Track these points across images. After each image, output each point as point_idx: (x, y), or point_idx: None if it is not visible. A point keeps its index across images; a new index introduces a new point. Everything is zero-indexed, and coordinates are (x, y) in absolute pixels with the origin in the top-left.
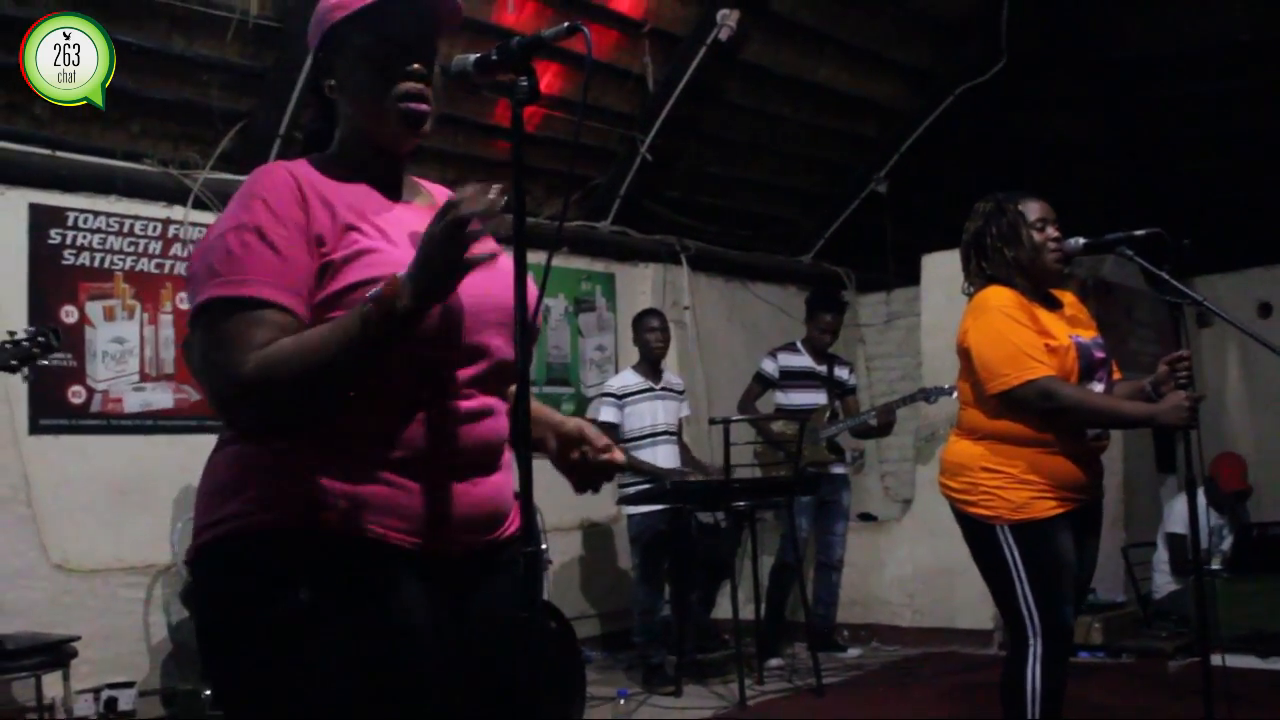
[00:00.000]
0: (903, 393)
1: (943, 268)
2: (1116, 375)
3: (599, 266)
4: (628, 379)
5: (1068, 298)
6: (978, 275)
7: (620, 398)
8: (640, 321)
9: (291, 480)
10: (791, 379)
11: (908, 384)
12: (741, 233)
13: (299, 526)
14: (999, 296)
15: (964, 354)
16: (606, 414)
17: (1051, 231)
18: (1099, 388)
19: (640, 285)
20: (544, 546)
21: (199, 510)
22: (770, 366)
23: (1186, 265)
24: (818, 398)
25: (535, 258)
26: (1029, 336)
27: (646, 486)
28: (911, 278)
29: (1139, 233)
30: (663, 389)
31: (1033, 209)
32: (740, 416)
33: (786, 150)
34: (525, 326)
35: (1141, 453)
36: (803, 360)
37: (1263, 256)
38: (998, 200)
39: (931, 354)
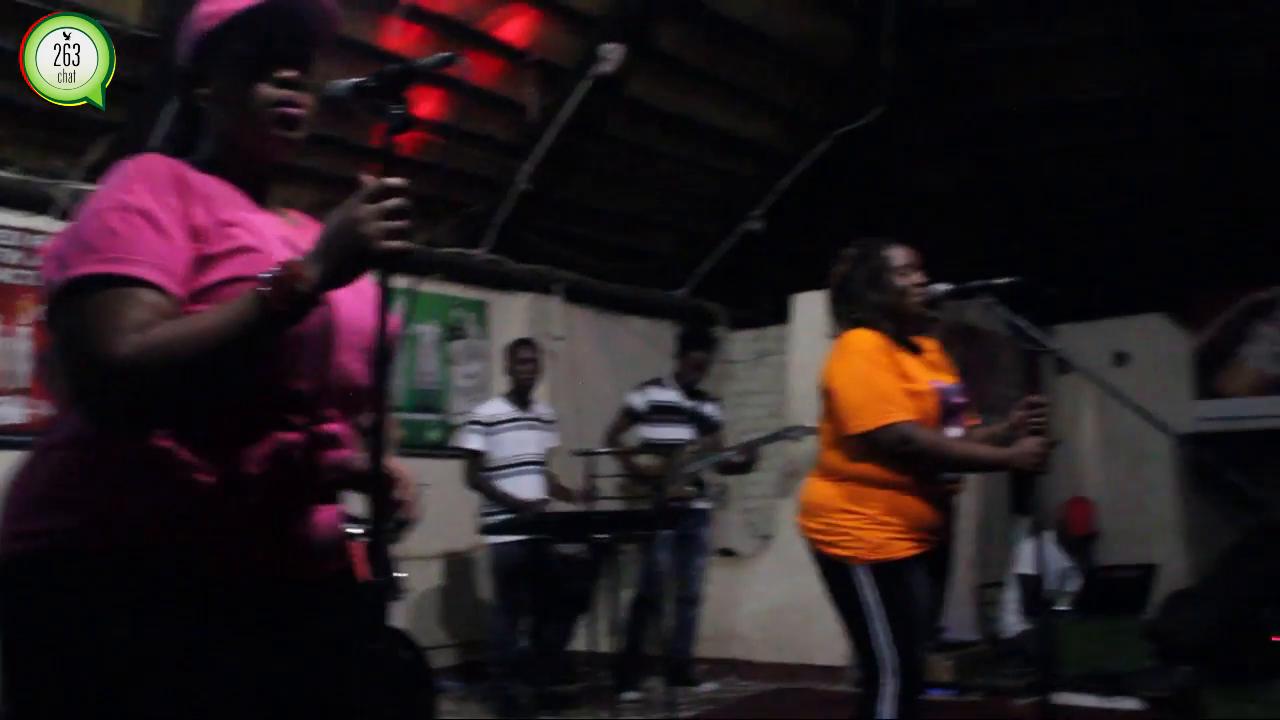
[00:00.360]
0: (769, 430)
1: (813, 308)
2: (972, 420)
3: (472, 294)
4: (497, 407)
5: (929, 344)
6: (844, 318)
7: (488, 426)
8: (512, 351)
9: (127, 497)
10: (659, 413)
11: (775, 421)
12: (617, 266)
13: (127, 553)
14: (862, 340)
15: (826, 395)
16: (473, 441)
17: (915, 277)
18: (956, 432)
19: (513, 314)
20: (401, 575)
21: (10, 514)
22: (638, 400)
23: (1047, 314)
24: (683, 433)
25: (403, 284)
26: (890, 381)
27: (508, 517)
28: (782, 316)
29: (1000, 281)
30: (532, 419)
31: (898, 255)
32: (605, 449)
33: (665, 186)
34: (385, 353)
35: (997, 495)
36: (671, 395)
37: (1120, 308)
38: (864, 246)
39: (799, 392)
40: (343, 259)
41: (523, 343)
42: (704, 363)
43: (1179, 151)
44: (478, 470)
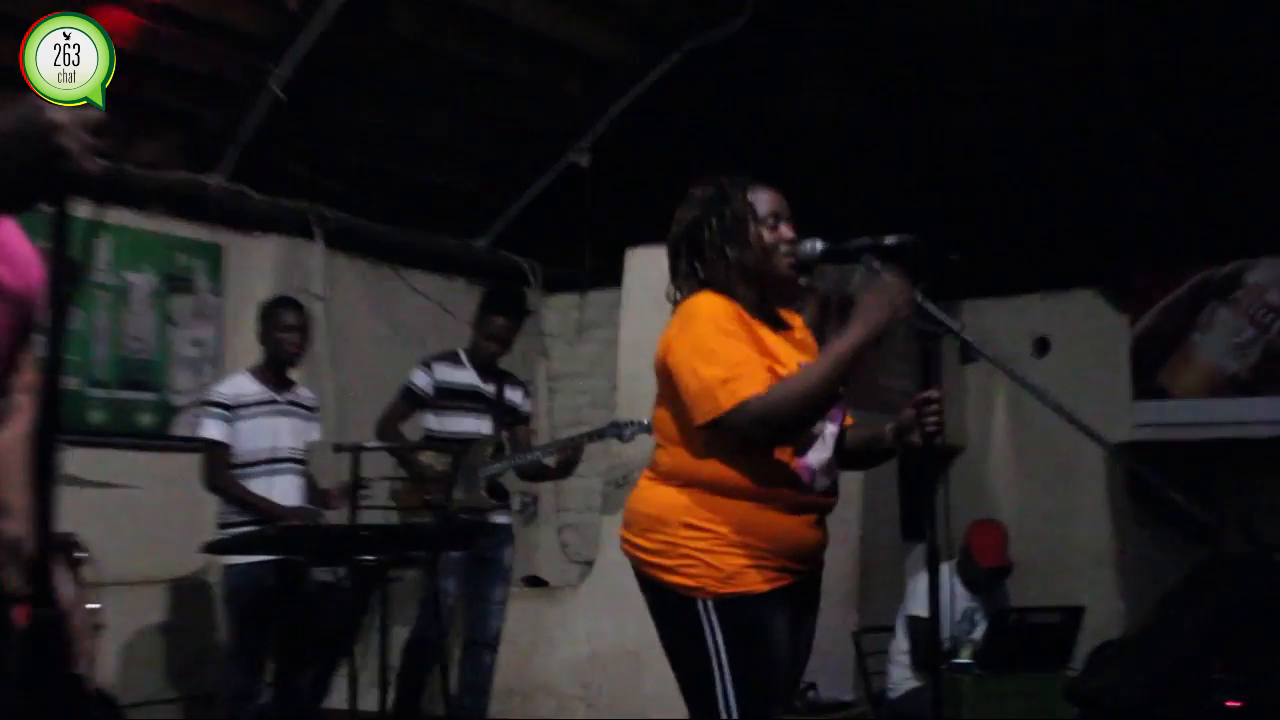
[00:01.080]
0: (592, 424)
1: (652, 267)
2: (849, 419)
3: (203, 235)
4: (243, 386)
5: (796, 321)
6: (688, 278)
7: (231, 409)
8: (272, 314)
9: None
10: (449, 398)
11: (600, 414)
12: (399, 205)
13: None
14: (711, 304)
15: (664, 375)
16: (211, 429)
17: (785, 230)
18: (831, 430)
19: (258, 263)
20: (96, 606)
21: None
22: (423, 380)
23: (950, 286)
24: (480, 425)
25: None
26: (745, 353)
27: (248, 530)
28: (612, 277)
29: (890, 240)
30: (289, 403)
31: (765, 200)
32: (376, 444)
33: (465, 102)
34: (61, 308)
35: (883, 515)
36: (465, 375)
37: (1042, 281)
38: (721, 185)
39: (631, 376)
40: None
41: (285, 303)
42: (508, 334)
43: (1124, 91)
44: (221, 467)
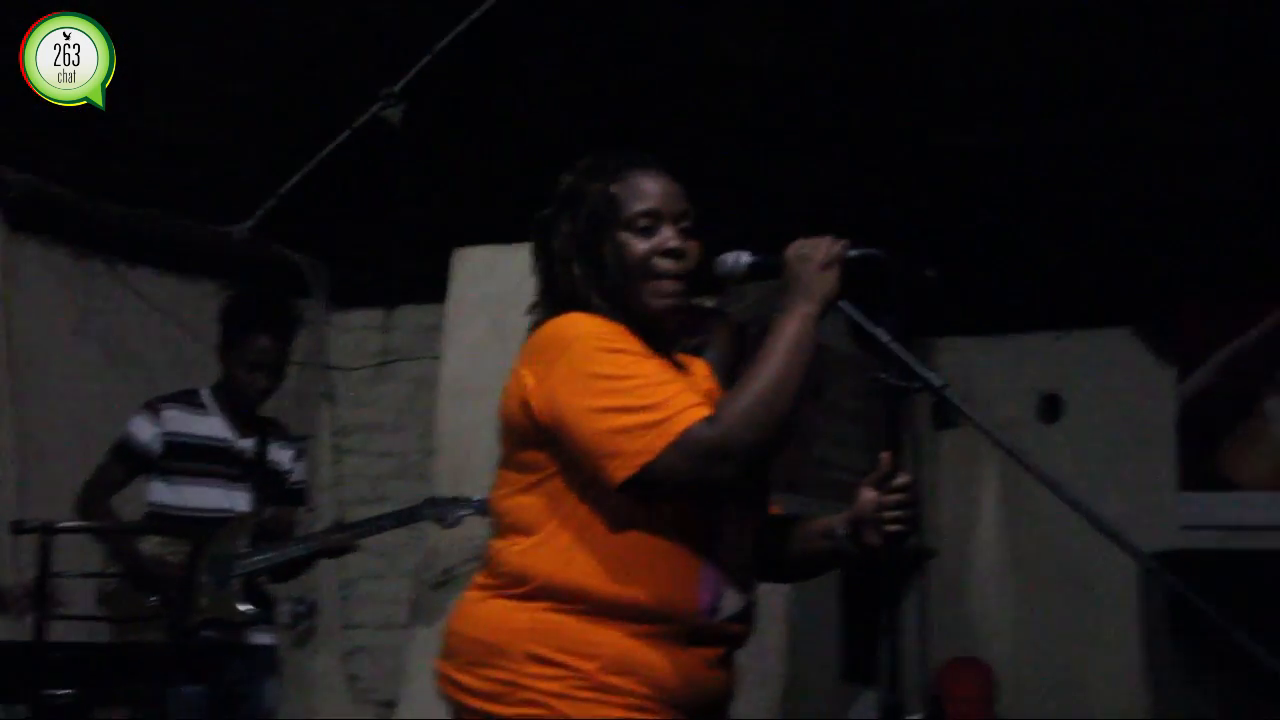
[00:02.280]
0: (398, 500)
1: (491, 274)
2: (773, 508)
3: None
4: None
5: (698, 367)
6: (545, 299)
7: None
8: None
9: None
10: (185, 458)
11: (410, 485)
12: (119, 169)
13: None
14: (586, 321)
15: (520, 429)
16: None
17: (667, 235)
18: (734, 524)
19: None
20: None
21: None
22: (146, 431)
23: (925, 318)
24: (232, 498)
25: None
26: (658, 370)
27: None
28: (431, 287)
29: (848, 252)
30: None
31: (640, 192)
32: (77, 522)
33: (225, 29)
34: None
35: (818, 647)
36: (209, 424)
37: (1055, 316)
38: (579, 173)
39: (454, 429)
40: None
41: None
42: (277, 360)
43: (1170, 66)
44: None
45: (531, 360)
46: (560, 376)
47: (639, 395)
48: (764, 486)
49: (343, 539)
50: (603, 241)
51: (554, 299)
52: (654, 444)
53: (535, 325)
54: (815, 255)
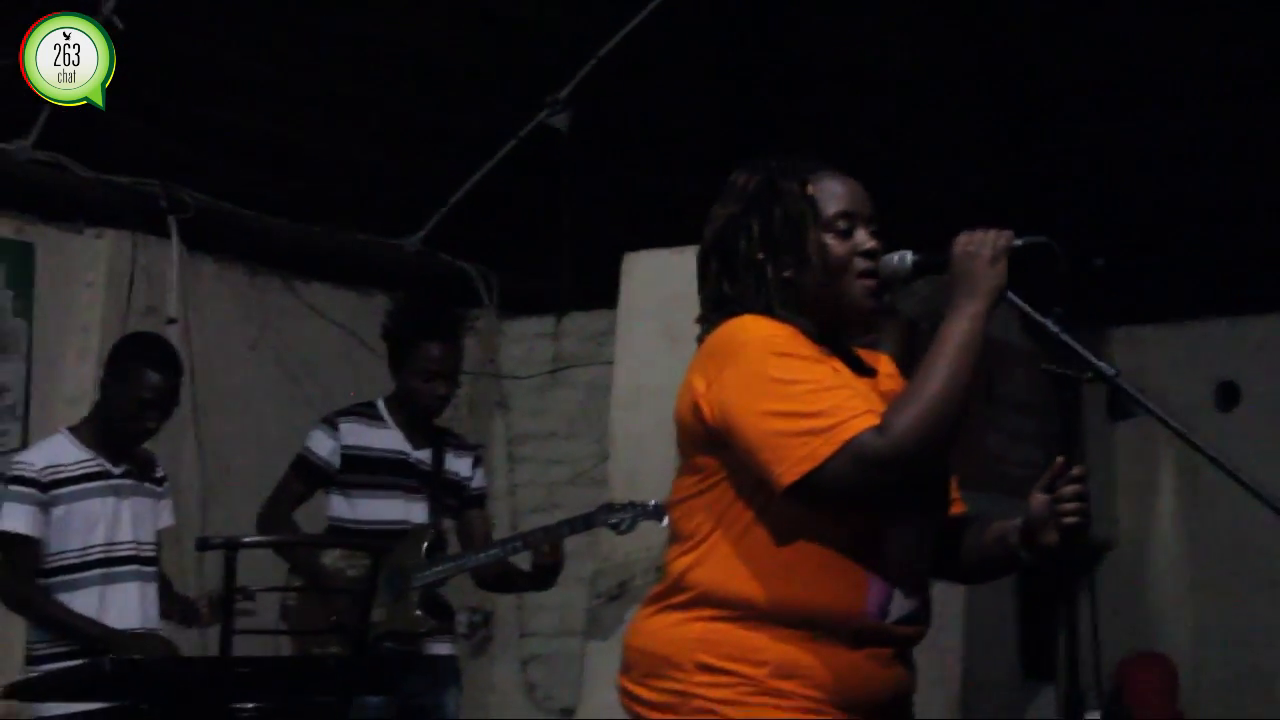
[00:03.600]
0: (575, 509)
1: (660, 279)
2: (958, 506)
3: (3, 229)
4: (61, 453)
5: (883, 364)
6: (716, 304)
7: (45, 489)
8: (126, 355)
9: None
10: (364, 471)
11: (584, 492)
12: (291, 186)
13: None
14: (757, 325)
15: (696, 433)
16: (15, 518)
17: (862, 238)
18: (920, 521)
19: (85, 267)
20: None
21: None
22: (325, 446)
23: (1099, 307)
24: (410, 510)
25: None
26: (828, 375)
27: (66, 666)
28: (603, 295)
29: (1015, 242)
30: (128, 476)
31: (835, 195)
32: (259, 537)
33: (390, 43)
34: None
35: (996, 644)
36: (387, 437)
37: (1230, 302)
38: (770, 173)
39: (630, 437)
40: None
41: (145, 342)
42: (452, 366)
43: None
44: (25, 572)
45: (704, 364)
46: (731, 379)
47: (808, 401)
48: (945, 486)
49: (532, 547)
50: (804, 242)
51: (725, 303)
52: (820, 450)
53: (707, 331)
54: (982, 251)
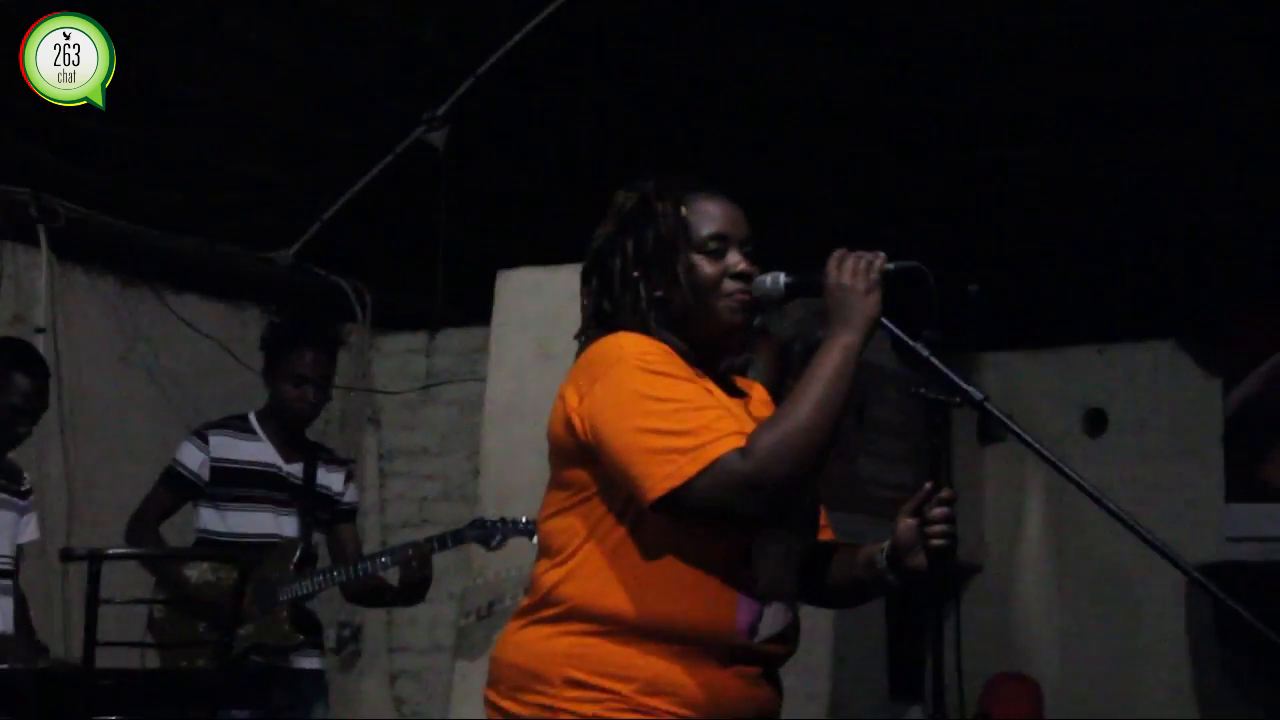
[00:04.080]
0: (445, 523)
1: (534, 297)
2: (825, 532)
3: None
4: None
5: (756, 390)
6: (595, 319)
7: None
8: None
9: None
10: (233, 484)
11: (454, 508)
12: (163, 196)
13: None
14: (633, 342)
15: (567, 448)
16: None
17: (734, 259)
18: (778, 537)
19: None
20: None
21: None
22: (194, 458)
23: (969, 332)
24: (280, 523)
25: None
26: (698, 394)
27: None
28: (475, 310)
29: (887, 266)
30: None
31: (708, 215)
32: (125, 549)
33: (269, 51)
34: None
35: (863, 663)
36: (258, 449)
37: (1098, 329)
38: (645, 193)
39: (502, 453)
40: None
41: (9, 346)
42: (324, 373)
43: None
44: None
45: (577, 378)
46: (602, 394)
47: (676, 419)
48: (815, 508)
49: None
50: (674, 262)
51: (603, 320)
52: (685, 469)
53: (584, 346)
54: (856, 283)
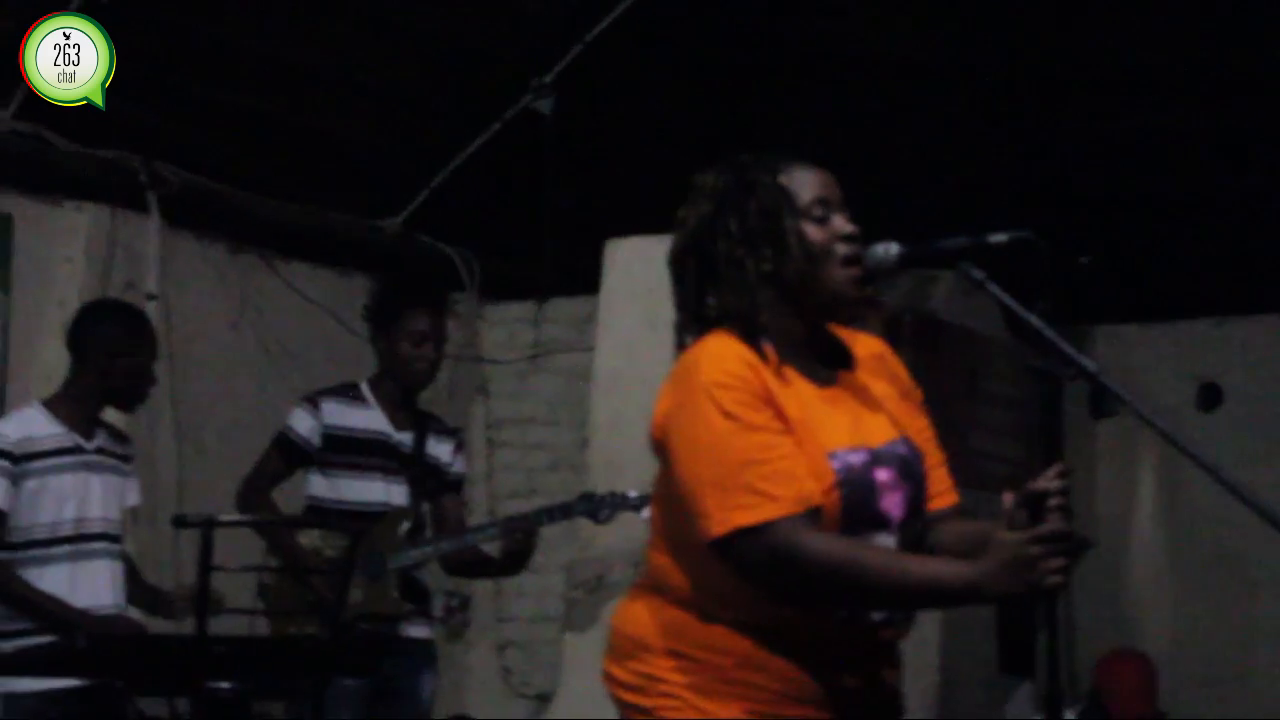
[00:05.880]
0: (552, 495)
1: (643, 266)
2: (944, 500)
3: None
4: (34, 425)
5: (864, 345)
6: (696, 311)
7: (15, 459)
8: (92, 321)
9: None
10: (344, 452)
11: (563, 479)
12: (273, 164)
13: None
14: (714, 364)
15: (663, 454)
16: None
17: (840, 224)
18: (887, 541)
19: (63, 244)
20: None
21: None
22: (305, 425)
23: (1082, 304)
24: (390, 492)
25: None
26: (760, 443)
27: (35, 642)
28: (584, 279)
29: (998, 237)
30: (98, 450)
31: (808, 184)
32: (236, 516)
33: (373, 21)
34: None
35: (974, 640)
36: (369, 418)
37: (1214, 303)
38: (741, 168)
39: (610, 425)
40: None
41: (115, 310)
42: (438, 337)
43: None
44: None
45: (670, 387)
46: (677, 420)
47: (726, 469)
48: (921, 494)
49: (508, 534)
50: (782, 231)
51: (703, 313)
52: (715, 525)
53: (683, 345)
54: (1024, 570)
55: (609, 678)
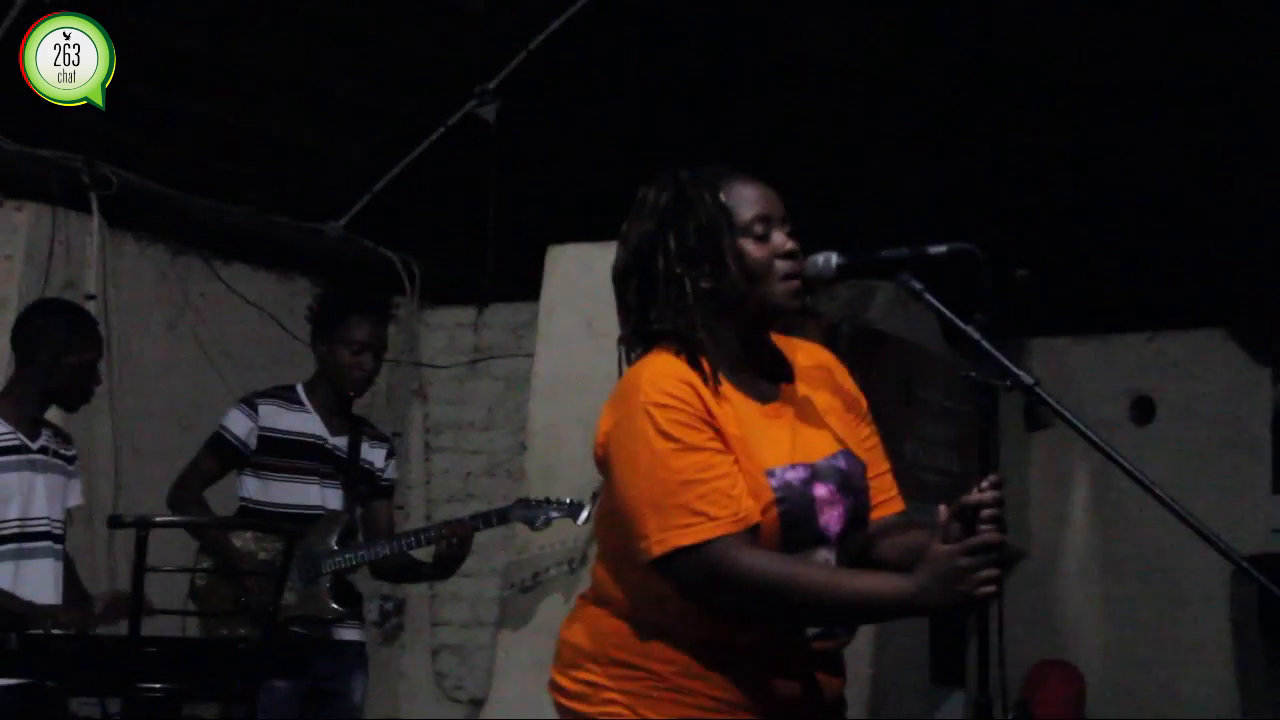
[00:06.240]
0: (490, 501)
1: (584, 272)
2: (889, 509)
3: None
4: None
5: (803, 353)
6: (637, 328)
7: None
8: (37, 320)
9: None
10: (279, 454)
11: (500, 484)
12: (215, 166)
13: None
14: (653, 384)
15: (605, 471)
16: None
17: (780, 239)
18: (826, 556)
19: (4, 241)
20: None
21: None
22: (241, 426)
23: (1020, 317)
24: (325, 495)
25: None
26: (696, 463)
27: None
28: (524, 285)
29: (937, 249)
30: (42, 450)
31: (747, 200)
32: (170, 517)
33: (320, 25)
34: None
35: (906, 649)
36: (304, 421)
37: (1148, 317)
38: (680, 183)
39: (548, 431)
40: None
41: (62, 309)
42: (377, 345)
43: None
44: None
45: (613, 406)
46: (618, 440)
47: (664, 488)
48: (862, 507)
49: (443, 538)
50: (721, 250)
51: (645, 329)
52: (651, 545)
53: (627, 360)
54: (958, 581)
55: (554, 686)
